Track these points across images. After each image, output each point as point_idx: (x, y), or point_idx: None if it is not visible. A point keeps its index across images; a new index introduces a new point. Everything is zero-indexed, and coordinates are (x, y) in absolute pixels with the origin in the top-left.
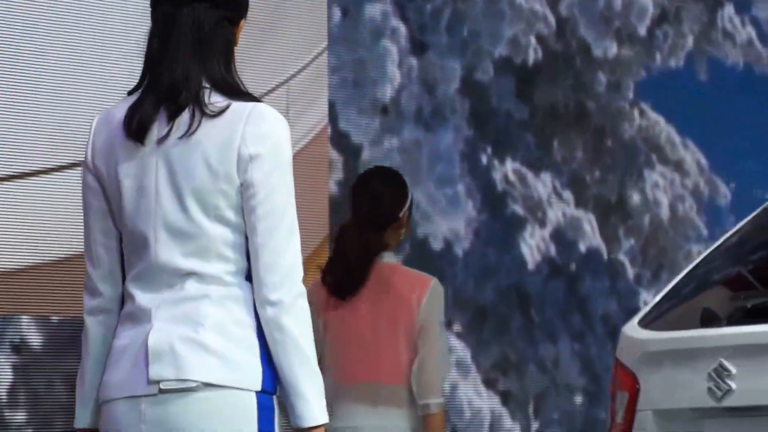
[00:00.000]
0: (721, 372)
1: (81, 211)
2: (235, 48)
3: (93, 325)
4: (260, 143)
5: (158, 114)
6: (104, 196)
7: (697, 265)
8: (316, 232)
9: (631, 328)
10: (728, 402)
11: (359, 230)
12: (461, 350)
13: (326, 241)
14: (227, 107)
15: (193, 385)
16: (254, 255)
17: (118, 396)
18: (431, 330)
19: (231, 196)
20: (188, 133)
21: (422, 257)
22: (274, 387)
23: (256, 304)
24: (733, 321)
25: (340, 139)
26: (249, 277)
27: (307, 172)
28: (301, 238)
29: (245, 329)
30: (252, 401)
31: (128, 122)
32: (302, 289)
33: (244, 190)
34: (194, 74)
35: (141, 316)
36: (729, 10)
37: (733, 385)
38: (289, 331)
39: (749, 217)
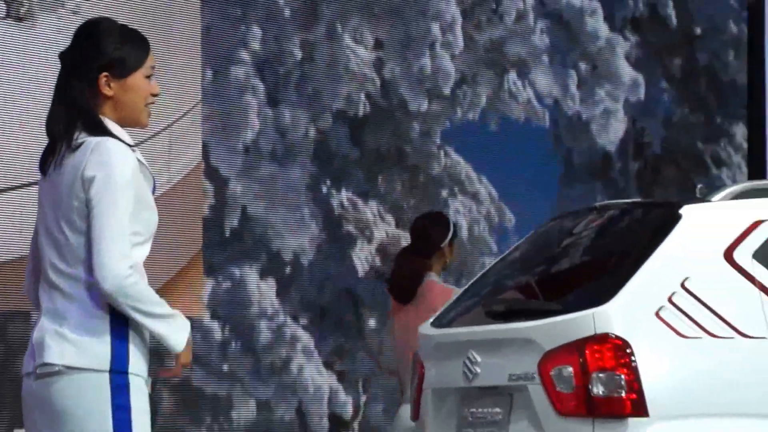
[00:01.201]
0: (471, 360)
1: None
2: (110, 94)
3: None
4: (97, 168)
5: (49, 152)
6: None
7: (483, 274)
8: (192, 244)
9: (425, 327)
10: (476, 383)
11: (409, 257)
12: (306, 339)
13: (200, 252)
14: (83, 142)
15: (56, 369)
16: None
17: (24, 372)
18: None
19: (81, 209)
20: (56, 164)
21: (277, 267)
22: (125, 367)
23: None
24: (480, 321)
25: (211, 173)
26: None
27: (185, 199)
28: (180, 250)
29: (98, 320)
30: (105, 379)
31: (40, 159)
32: (125, 274)
33: (87, 205)
34: (64, 119)
35: (41, 310)
36: (513, 76)
37: (479, 370)
38: (125, 305)
39: (526, 237)
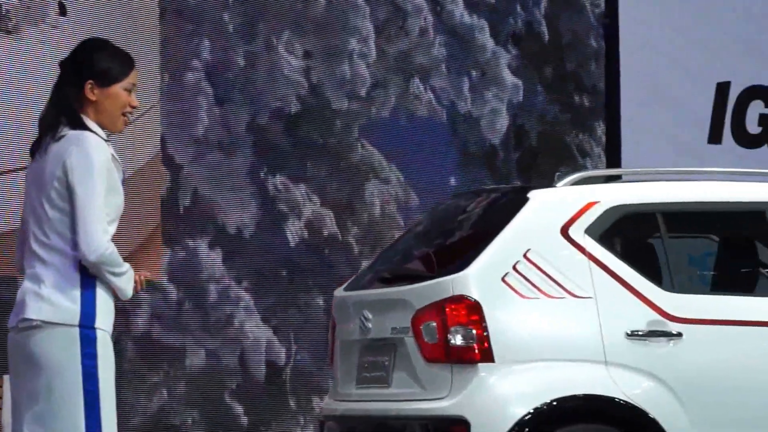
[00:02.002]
0: (365, 317)
1: None
2: (94, 99)
3: None
4: (76, 158)
5: (38, 140)
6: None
7: (391, 245)
8: (152, 220)
9: (338, 291)
10: (369, 336)
11: None
12: (247, 299)
13: (159, 226)
14: (65, 135)
15: (35, 323)
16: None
17: (9, 326)
18: None
19: (62, 191)
20: (42, 152)
21: (223, 239)
22: (91, 322)
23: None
24: (374, 285)
25: (168, 161)
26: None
27: (146, 182)
28: (140, 224)
29: (70, 283)
30: (75, 332)
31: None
32: (105, 246)
33: (68, 188)
34: (53, 115)
35: (25, 274)
36: (417, 80)
37: (370, 326)
38: (103, 271)
39: (426, 214)
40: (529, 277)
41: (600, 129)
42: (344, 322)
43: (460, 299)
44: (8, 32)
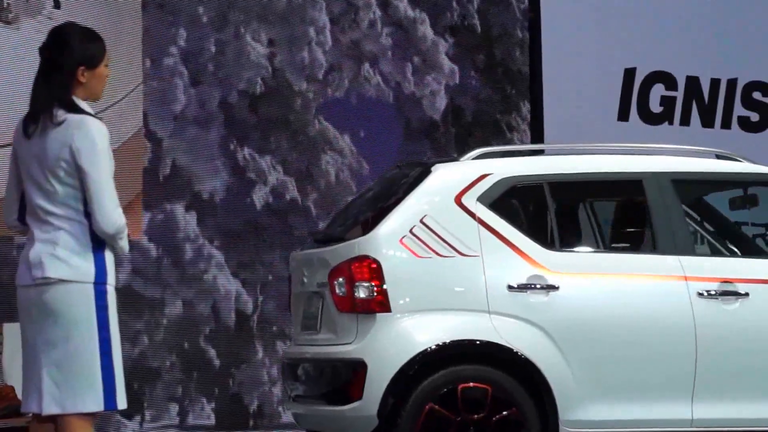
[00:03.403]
0: (303, 273)
1: None
2: (84, 81)
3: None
4: (82, 140)
5: (32, 120)
6: (17, 164)
7: (344, 209)
8: (133, 187)
9: (294, 251)
10: (306, 289)
11: None
12: (219, 256)
13: (141, 192)
14: (65, 119)
15: (52, 280)
16: (89, 207)
17: (20, 284)
18: None
19: (69, 170)
20: (41, 134)
21: (197, 203)
22: (104, 279)
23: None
24: (311, 245)
25: (150, 134)
26: (87, 214)
27: (130, 153)
28: (123, 192)
29: (84, 246)
30: (89, 288)
31: (22, 124)
32: (119, 222)
33: (78, 169)
34: (45, 99)
35: (32, 237)
36: (367, 66)
37: (306, 281)
38: (116, 239)
39: (376, 181)
40: (423, 239)
41: (525, 108)
42: (295, 278)
43: (364, 258)
44: (8, 23)
